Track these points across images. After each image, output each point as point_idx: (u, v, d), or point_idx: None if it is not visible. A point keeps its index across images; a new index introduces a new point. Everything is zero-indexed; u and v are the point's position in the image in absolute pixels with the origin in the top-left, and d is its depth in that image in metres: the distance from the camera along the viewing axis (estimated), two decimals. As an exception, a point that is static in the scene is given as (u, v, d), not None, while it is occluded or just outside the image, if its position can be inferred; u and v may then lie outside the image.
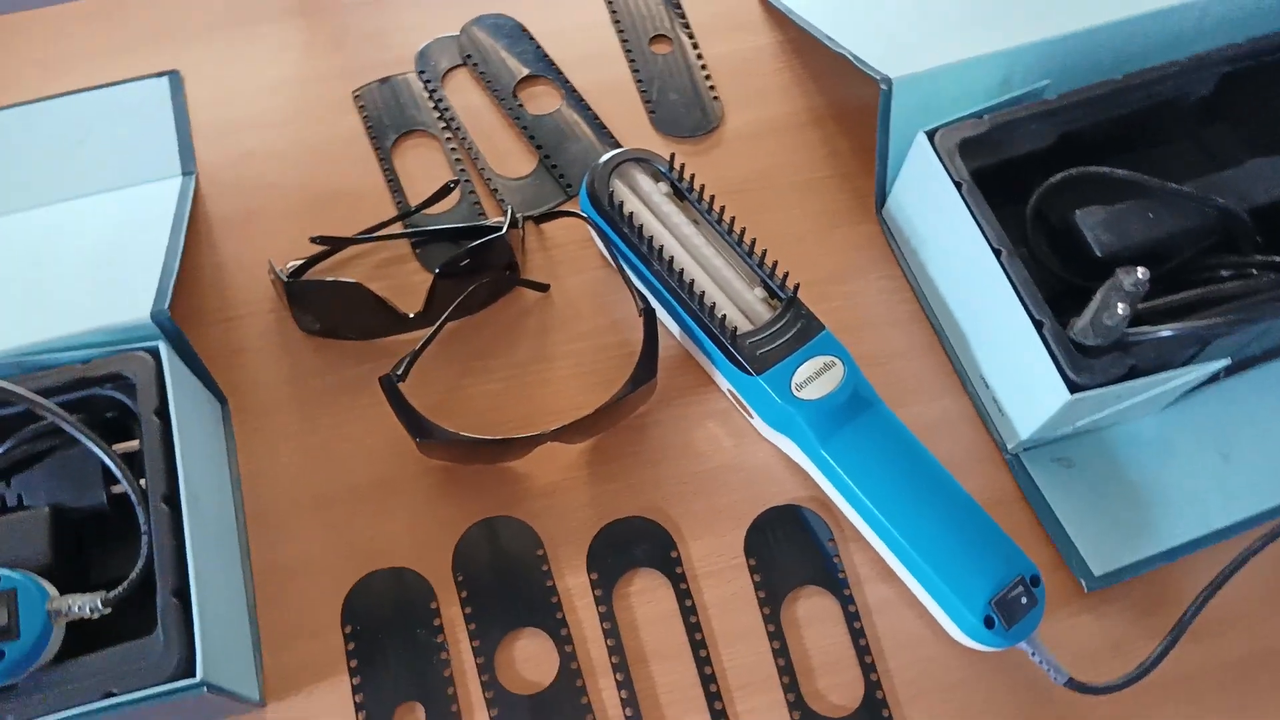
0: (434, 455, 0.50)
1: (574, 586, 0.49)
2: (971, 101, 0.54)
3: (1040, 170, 0.52)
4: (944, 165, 0.52)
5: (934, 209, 0.53)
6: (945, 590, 0.45)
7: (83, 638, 0.41)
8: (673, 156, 0.54)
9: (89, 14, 0.65)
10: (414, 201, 0.59)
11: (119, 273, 0.50)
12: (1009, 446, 0.52)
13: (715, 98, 0.64)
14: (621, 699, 0.47)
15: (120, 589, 0.41)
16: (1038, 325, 0.47)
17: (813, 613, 0.49)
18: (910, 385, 0.54)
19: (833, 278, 0.57)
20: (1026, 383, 0.49)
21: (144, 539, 0.42)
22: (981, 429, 0.53)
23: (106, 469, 0.44)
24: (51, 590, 0.41)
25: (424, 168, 0.61)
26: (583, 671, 0.47)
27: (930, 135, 0.52)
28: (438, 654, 0.47)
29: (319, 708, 0.46)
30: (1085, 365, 0.46)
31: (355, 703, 0.46)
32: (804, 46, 0.65)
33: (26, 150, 0.59)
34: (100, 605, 0.41)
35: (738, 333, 0.49)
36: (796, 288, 0.50)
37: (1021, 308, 0.48)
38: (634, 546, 0.50)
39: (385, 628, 0.48)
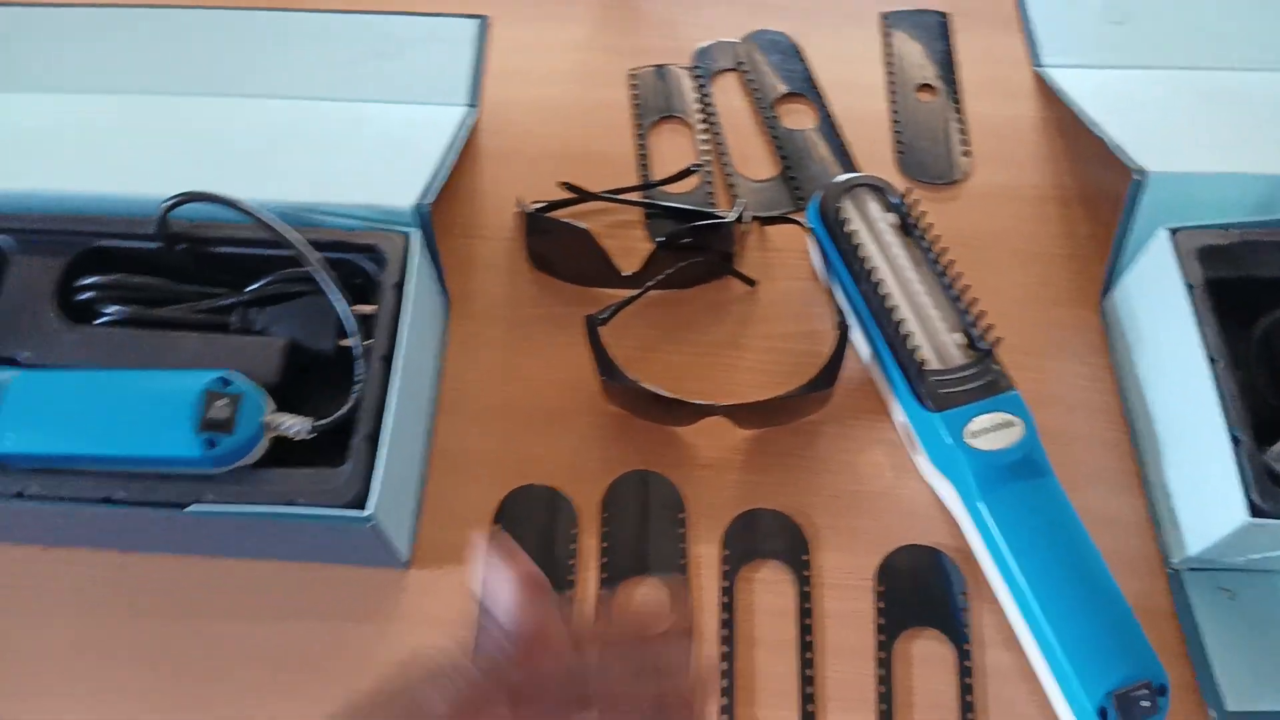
0: (612, 399, 0.54)
1: (704, 556, 0.51)
2: (1222, 213, 0.53)
3: (1277, 298, 0.51)
4: (1179, 266, 0.51)
5: (1159, 307, 0.53)
6: (1067, 667, 0.44)
7: (282, 456, 0.47)
8: (908, 191, 0.56)
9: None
10: (657, 178, 0.63)
11: (396, 168, 0.57)
12: (1173, 560, 0.51)
13: (966, 153, 0.65)
14: (721, 671, 0.48)
15: (326, 420, 0.47)
16: (1234, 441, 0.46)
17: (927, 655, 0.49)
18: (1087, 472, 0.53)
19: (1037, 350, 0.57)
20: (1208, 499, 0.48)
21: (356, 387, 0.47)
22: (1149, 536, 0.52)
23: (340, 323, 0.50)
24: (270, 405, 0.47)
25: (673, 152, 0.65)
26: (692, 634, 0.49)
27: (1173, 233, 0.52)
28: (566, 575, 0.51)
29: (450, 586, 0.50)
30: (1274, 494, 0.45)
31: (483, 592, 0.50)
32: (1066, 125, 0.66)
33: (346, 51, 0.67)
34: (306, 429, 0.46)
35: (924, 366, 0.51)
36: (996, 341, 0.51)
37: (1223, 421, 0.47)
38: (771, 538, 0.52)
39: (527, 536, 0.51)
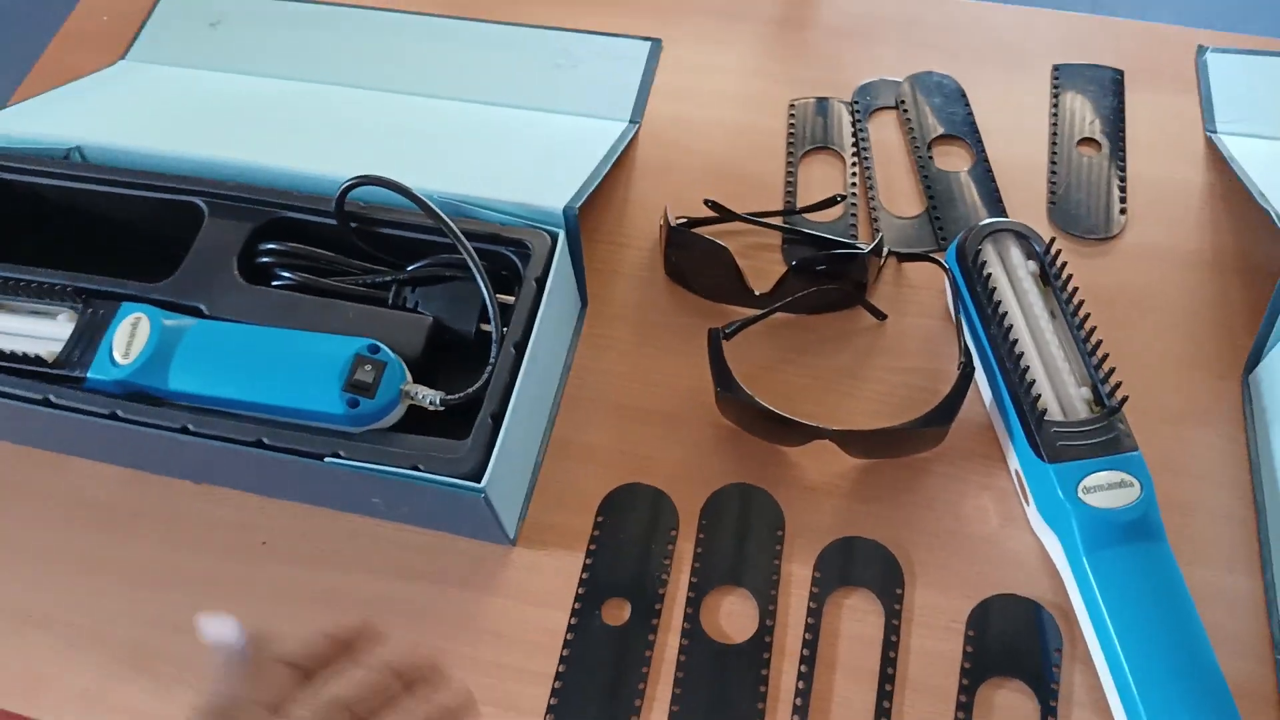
0: (726, 413, 0.56)
1: (796, 575, 0.52)
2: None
3: None
4: (1334, 346, 0.49)
5: (1307, 386, 0.50)
6: (1152, 738, 0.43)
7: (415, 425, 0.51)
8: (1052, 240, 0.55)
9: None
10: (801, 207, 0.65)
11: (552, 173, 0.60)
12: (1288, 648, 0.48)
13: (1123, 210, 0.63)
14: (798, 688, 0.49)
15: (458, 396, 0.50)
16: (1371, 534, 0.44)
17: (1010, 707, 0.48)
18: (1203, 545, 0.52)
19: (1169, 416, 0.56)
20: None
21: (489, 370, 0.51)
22: (1263, 619, 0.49)
23: (484, 309, 0.53)
24: (409, 376, 0.51)
25: (821, 182, 0.67)
26: (773, 648, 0.50)
27: (1331, 311, 0.50)
28: (660, 573, 0.52)
29: (551, 567, 0.53)
30: None
31: (580, 577, 0.52)
32: (1232, 194, 0.63)
33: (526, 63, 0.72)
34: (438, 402, 0.50)
35: (1045, 416, 0.50)
36: (1124, 400, 0.50)
37: (1360, 511, 0.44)
38: (865, 567, 0.52)
39: (627, 531, 0.54)
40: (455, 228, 0.53)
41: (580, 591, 0.52)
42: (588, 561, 0.53)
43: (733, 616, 0.51)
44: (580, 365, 0.60)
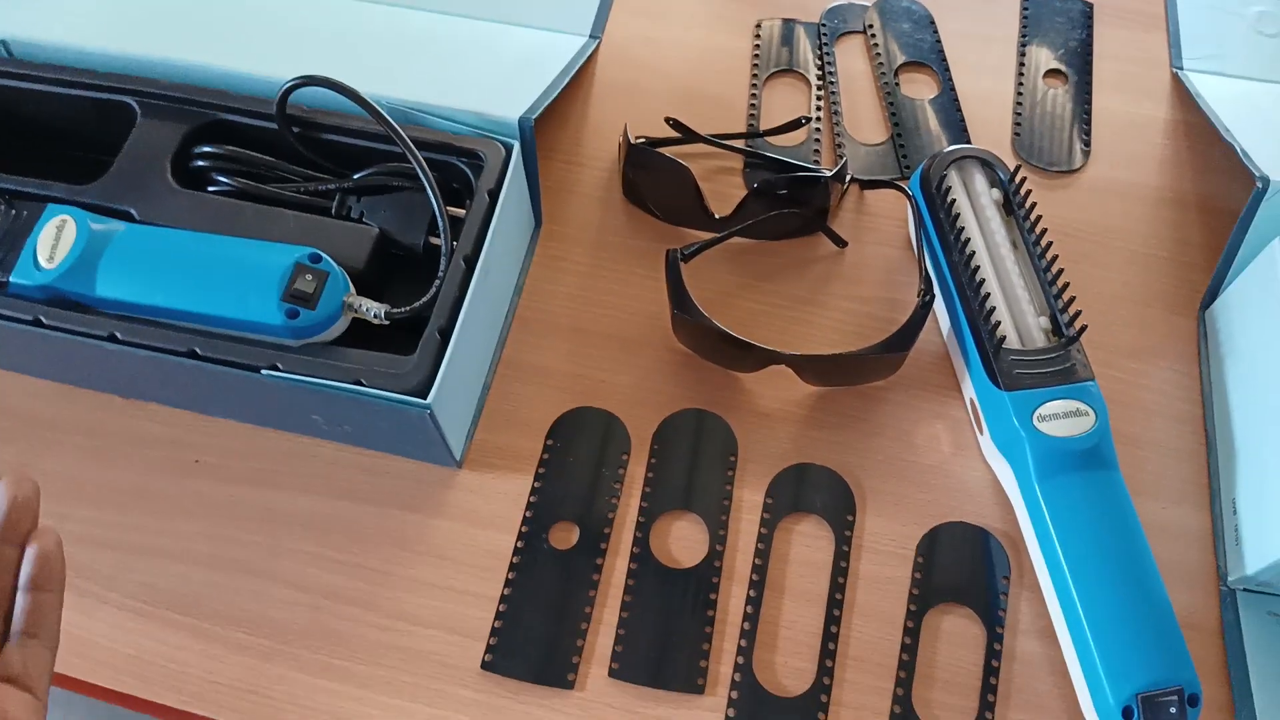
0: (681, 337, 0.54)
1: (747, 500, 0.51)
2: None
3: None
4: (1292, 280, 0.49)
5: (1264, 320, 0.50)
6: (1097, 661, 0.43)
7: (356, 340, 0.49)
8: (1017, 169, 0.55)
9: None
10: (764, 130, 0.63)
11: (509, 85, 0.58)
12: (1229, 579, 0.49)
13: (1086, 144, 0.63)
14: (745, 613, 0.49)
15: (403, 310, 0.48)
16: (1319, 465, 0.44)
17: (956, 632, 0.48)
18: (1154, 478, 0.52)
19: (1125, 350, 0.55)
20: (1276, 519, 0.46)
21: (437, 283, 0.49)
22: (1209, 551, 0.50)
23: (432, 221, 0.51)
24: (352, 288, 0.49)
25: (785, 106, 0.65)
26: (722, 572, 0.49)
27: (1290, 246, 0.49)
28: (609, 497, 0.51)
29: (498, 490, 0.52)
30: (1352, 523, 0.42)
31: (528, 500, 0.51)
32: (1196, 132, 0.63)
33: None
34: (383, 315, 0.48)
35: (1004, 344, 0.49)
36: (1083, 330, 0.49)
37: (1310, 443, 0.44)
38: (816, 493, 0.52)
39: (577, 455, 0.52)
40: (404, 134, 0.51)
41: (528, 515, 0.51)
42: (536, 485, 0.52)
43: (683, 542, 0.51)
44: (533, 286, 0.58)
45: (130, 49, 0.55)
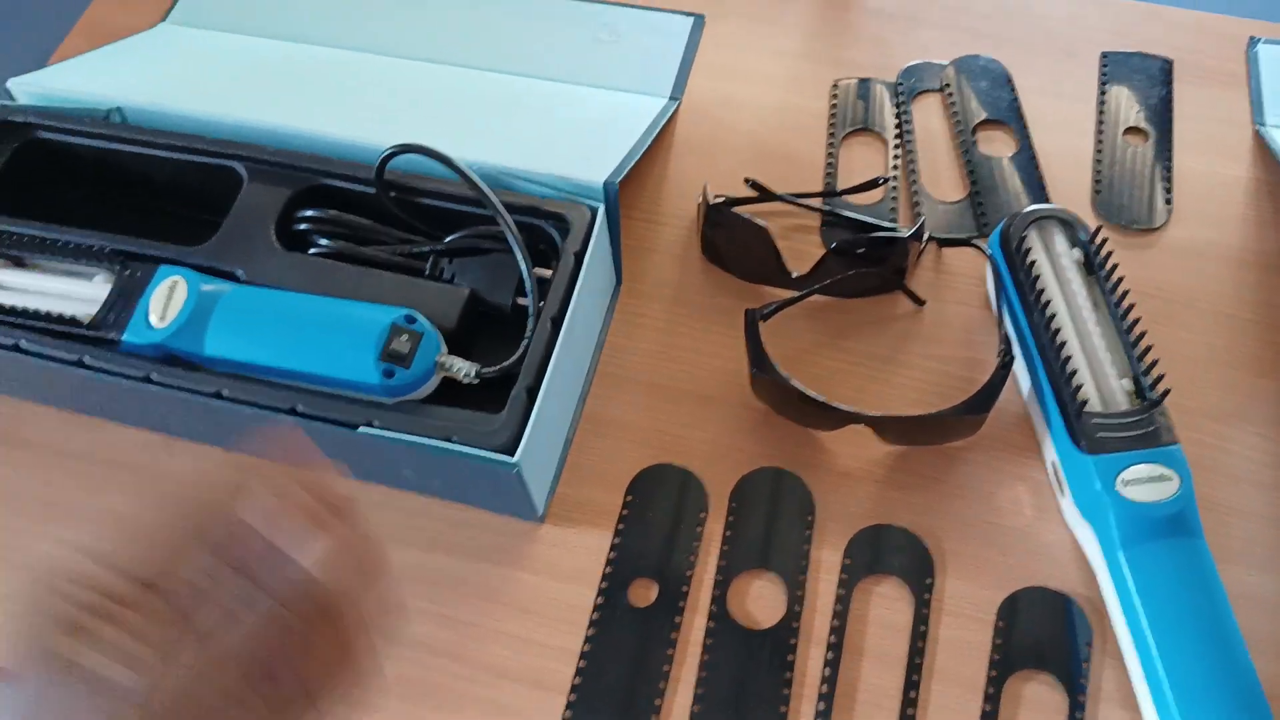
0: (760, 394, 0.55)
1: (825, 560, 0.52)
2: None
3: None
4: (1386, 346, 0.48)
5: (1354, 387, 0.49)
6: (1184, 736, 0.43)
7: (449, 397, 0.51)
8: (1098, 229, 0.55)
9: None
10: (842, 189, 0.64)
11: (593, 147, 0.60)
12: (1327, 653, 0.47)
13: (1168, 203, 0.62)
14: (824, 675, 0.49)
15: (493, 369, 0.50)
16: None
17: (1037, 700, 0.48)
18: (1240, 545, 0.51)
19: (1211, 414, 0.55)
20: (1378, 595, 0.45)
21: (525, 343, 0.51)
22: (1303, 622, 0.49)
23: (520, 282, 0.53)
24: (444, 347, 0.51)
25: (863, 164, 0.66)
26: (800, 633, 0.50)
27: (1385, 311, 0.49)
28: (687, 555, 0.52)
29: (579, 545, 0.53)
30: None
31: (608, 556, 0.52)
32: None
33: (569, 36, 0.71)
34: (474, 374, 0.50)
35: (1085, 407, 0.49)
36: (1166, 392, 0.49)
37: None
38: (896, 555, 0.52)
39: (657, 511, 0.53)
40: (495, 199, 0.53)
41: (608, 570, 0.52)
42: (616, 540, 0.53)
43: (760, 601, 0.51)
44: (613, 343, 0.59)
45: (235, 115, 0.58)
